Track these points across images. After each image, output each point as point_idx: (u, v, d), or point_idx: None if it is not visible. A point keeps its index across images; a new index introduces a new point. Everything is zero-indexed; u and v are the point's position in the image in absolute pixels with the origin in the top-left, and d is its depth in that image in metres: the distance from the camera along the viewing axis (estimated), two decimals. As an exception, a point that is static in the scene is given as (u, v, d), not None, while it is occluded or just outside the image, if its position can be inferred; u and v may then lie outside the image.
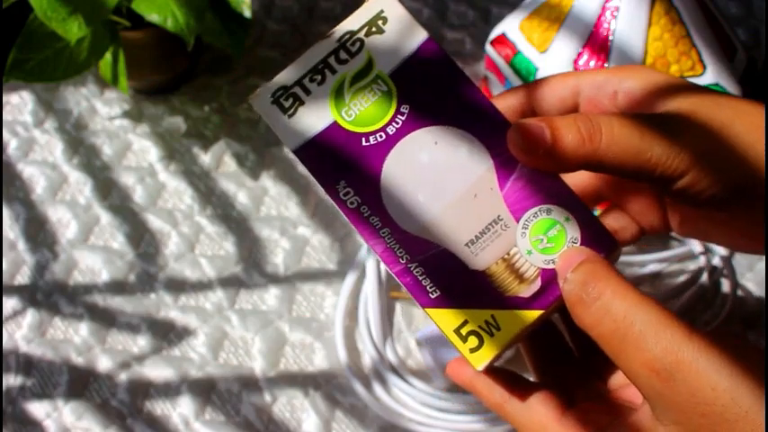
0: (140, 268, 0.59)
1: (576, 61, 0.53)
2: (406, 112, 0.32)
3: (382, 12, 0.33)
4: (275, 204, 0.62)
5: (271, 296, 0.58)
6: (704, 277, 0.57)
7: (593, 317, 0.27)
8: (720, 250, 0.57)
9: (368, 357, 0.54)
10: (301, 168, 0.64)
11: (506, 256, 0.31)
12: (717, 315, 0.56)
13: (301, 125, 0.32)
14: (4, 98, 0.69)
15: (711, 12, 0.55)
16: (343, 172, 0.32)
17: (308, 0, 0.75)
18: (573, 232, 0.31)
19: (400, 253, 0.31)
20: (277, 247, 0.60)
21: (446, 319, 0.31)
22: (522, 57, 0.55)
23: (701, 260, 0.57)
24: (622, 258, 0.58)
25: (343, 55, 0.32)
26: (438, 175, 0.31)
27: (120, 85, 0.60)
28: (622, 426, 0.29)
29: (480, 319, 0.30)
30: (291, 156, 0.65)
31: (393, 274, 0.31)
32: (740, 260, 0.59)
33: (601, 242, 0.31)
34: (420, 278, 0.31)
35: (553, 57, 0.53)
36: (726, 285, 0.57)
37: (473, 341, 0.30)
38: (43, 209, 0.62)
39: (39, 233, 0.61)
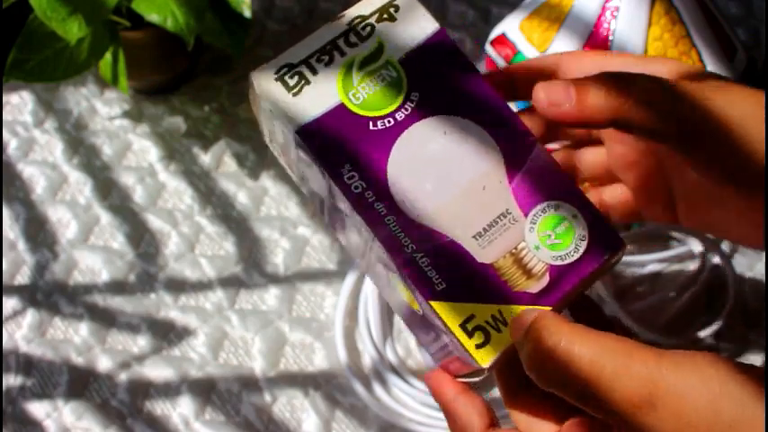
0: (140, 268, 0.59)
1: (576, 61, 0.53)
2: (416, 99, 0.31)
3: (394, 0, 0.32)
4: (275, 204, 0.62)
5: (271, 296, 0.58)
6: (704, 277, 0.57)
7: (558, 371, 0.27)
8: (721, 249, 0.57)
9: (368, 357, 0.54)
10: (301, 168, 0.64)
11: (514, 251, 0.30)
12: (717, 315, 0.56)
13: (306, 104, 0.31)
14: (4, 98, 0.69)
15: (711, 12, 0.55)
16: (349, 155, 0.30)
17: (307, 0, 0.75)
18: (580, 229, 0.30)
19: (405, 242, 0.30)
20: (277, 247, 0.60)
21: (452, 313, 0.29)
22: (523, 57, 0.55)
23: (701, 260, 0.57)
24: (623, 258, 0.58)
25: (352, 38, 0.32)
26: (446, 165, 0.31)
27: (120, 85, 0.60)
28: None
29: (487, 314, 0.29)
30: (291, 156, 0.65)
31: (395, 266, 0.30)
32: (740, 260, 0.59)
33: (607, 241, 0.31)
34: (426, 269, 0.30)
35: (553, 57, 0.54)
36: (725, 285, 0.57)
37: (479, 337, 0.29)
38: (43, 209, 0.62)
39: (39, 233, 0.61)
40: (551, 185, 0.31)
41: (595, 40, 0.53)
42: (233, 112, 0.67)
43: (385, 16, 0.32)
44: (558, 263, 0.30)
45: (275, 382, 0.54)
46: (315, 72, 0.31)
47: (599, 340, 0.26)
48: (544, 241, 0.30)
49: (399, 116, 0.31)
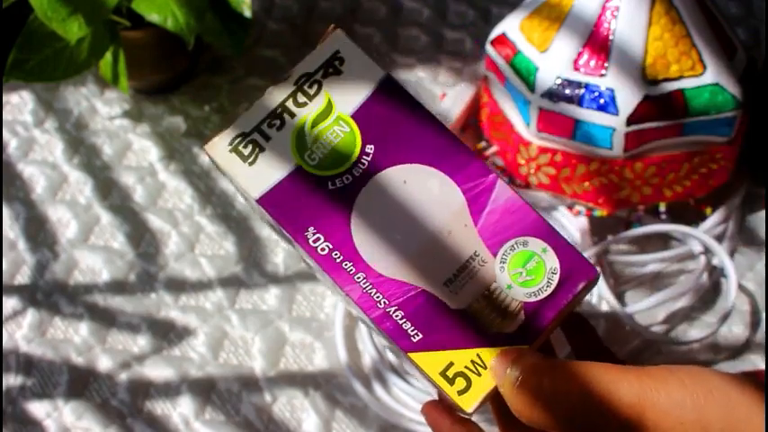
0: (140, 268, 0.59)
1: (576, 61, 0.53)
2: (371, 152, 0.31)
3: (338, 52, 0.32)
4: (275, 204, 0.62)
5: (271, 296, 0.58)
6: (704, 277, 0.57)
7: (546, 411, 0.27)
8: (721, 251, 0.57)
9: (368, 357, 0.54)
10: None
11: (487, 293, 0.30)
12: (717, 315, 0.56)
13: (263, 172, 0.31)
14: (5, 98, 0.69)
15: (711, 11, 0.55)
16: (312, 218, 0.30)
17: (307, 0, 0.75)
18: (551, 263, 0.30)
19: (377, 297, 0.30)
20: (277, 247, 0.60)
21: (431, 363, 0.30)
22: (523, 56, 0.55)
23: (701, 260, 0.57)
24: (623, 258, 0.58)
25: (301, 98, 0.31)
26: (409, 214, 0.31)
27: (121, 84, 0.60)
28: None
29: (466, 359, 0.29)
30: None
31: (371, 321, 0.30)
32: (740, 260, 0.59)
33: (579, 270, 0.30)
34: (400, 322, 0.30)
35: (553, 56, 0.53)
36: (726, 285, 0.57)
37: (460, 383, 0.29)
38: (43, 208, 0.62)
39: (39, 233, 0.61)
40: (517, 221, 0.31)
41: (595, 39, 0.53)
42: (233, 112, 0.67)
43: (330, 70, 0.32)
44: (532, 299, 0.30)
45: (275, 382, 0.54)
46: (268, 138, 0.31)
47: (581, 372, 0.26)
48: (516, 279, 0.30)
49: (357, 171, 0.31)
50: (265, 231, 0.61)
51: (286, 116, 0.31)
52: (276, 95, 0.32)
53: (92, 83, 0.69)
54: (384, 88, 0.32)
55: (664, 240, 0.59)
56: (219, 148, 0.31)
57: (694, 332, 0.56)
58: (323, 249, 0.30)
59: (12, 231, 0.61)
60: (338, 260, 0.30)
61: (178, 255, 0.60)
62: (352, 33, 0.73)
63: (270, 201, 0.31)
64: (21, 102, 0.68)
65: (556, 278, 0.30)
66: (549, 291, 0.30)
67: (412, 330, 0.30)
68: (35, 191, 0.63)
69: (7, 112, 0.68)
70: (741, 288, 0.57)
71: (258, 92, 0.69)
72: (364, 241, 0.31)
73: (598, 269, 0.31)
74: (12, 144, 0.66)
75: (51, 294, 0.58)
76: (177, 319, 0.57)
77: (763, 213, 0.61)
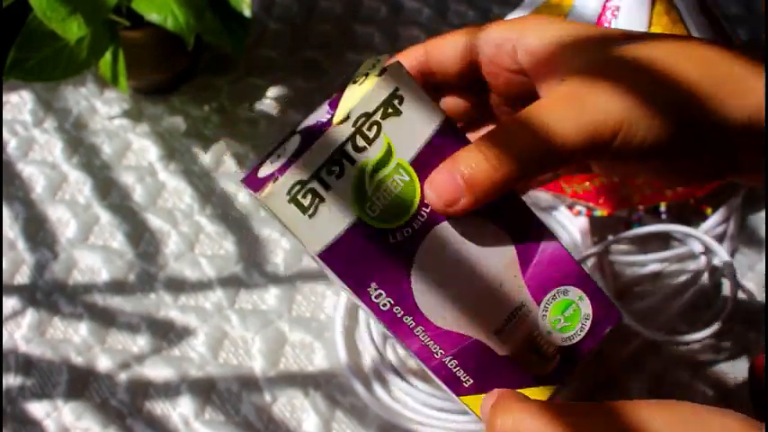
0: (140, 268, 0.59)
1: (576, 61, 0.53)
2: None
3: (397, 90, 0.30)
4: (275, 204, 0.62)
5: (271, 296, 0.58)
6: (705, 277, 0.57)
7: None
8: (722, 251, 0.57)
9: (368, 357, 0.54)
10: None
11: (529, 338, 0.32)
12: (717, 315, 0.56)
13: (324, 225, 0.29)
14: (4, 97, 0.69)
15: (712, 11, 0.55)
16: (372, 272, 0.30)
17: (307, 0, 0.75)
18: (585, 309, 0.33)
19: (435, 349, 0.31)
20: (277, 247, 0.60)
21: (478, 405, 0.32)
22: (523, 56, 0.55)
23: (702, 260, 0.57)
24: (623, 258, 0.58)
25: (360, 142, 0.29)
26: (466, 267, 0.31)
27: (120, 84, 0.60)
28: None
29: None
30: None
31: (428, 369, 0.32)
32: (741, 260, 0.59)
33: (608, 316, 0.33)
34: (454, 370, 0.32)
35: (553, 56, 0.53)
36: (726, 285, 0.57)
37: None
38: (43, 208, 0.62)
39: (38, 232, 0.61)
40: (559, 270, 0.32)
41: (596, 39, 0.53)
42: (233, 112, 0.67)
43: (390, 111, 0.30)
44: (567, 344, 0.33)
45: (275, 382, 0.54)
46: (327, 187, 0.29)
47: (545, 416, 0.28)
48: (555, 326, 0.32)
49: (416, 224, 0.30)
50: (265, 231, 0.61)
51: (345, 162, 0.29)
52: (334, 138, 0.30)
53: (91, 82, 0.69)
54: (442, 133, 0.30)
55: (664, 240, 0.59)
56: (278, 198, 0.29)
57: (694, 332, 0.56)
58: (384, 305, 0.31)
59: (11, 231, 0.61)
60: (399, 315, 0.31)
61: (178, 254, 0.60)
62: (352, 33, 0.73)
63: (332, 255, 0.30)
64: (20, 101, 0.68)
65: (588, 323, 0.33)
66: (582, 335, 0.33)
67: (464, 377, 0.32)
68: (34, 190, 0.63)
69: (7, 111, 0.68)
70: (742, 288, 0.57)
71: (258, 91, 0.69)
72: (423, 295, 0.31)
73: (622, 312, 0.35)
74: (11, 144, 0.66)
75: (51, 294, 0.58)
76: (177, 319, 0.57)
77: (763, 213, 0.61)
